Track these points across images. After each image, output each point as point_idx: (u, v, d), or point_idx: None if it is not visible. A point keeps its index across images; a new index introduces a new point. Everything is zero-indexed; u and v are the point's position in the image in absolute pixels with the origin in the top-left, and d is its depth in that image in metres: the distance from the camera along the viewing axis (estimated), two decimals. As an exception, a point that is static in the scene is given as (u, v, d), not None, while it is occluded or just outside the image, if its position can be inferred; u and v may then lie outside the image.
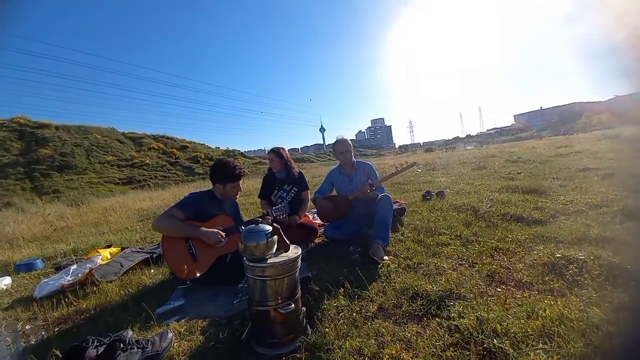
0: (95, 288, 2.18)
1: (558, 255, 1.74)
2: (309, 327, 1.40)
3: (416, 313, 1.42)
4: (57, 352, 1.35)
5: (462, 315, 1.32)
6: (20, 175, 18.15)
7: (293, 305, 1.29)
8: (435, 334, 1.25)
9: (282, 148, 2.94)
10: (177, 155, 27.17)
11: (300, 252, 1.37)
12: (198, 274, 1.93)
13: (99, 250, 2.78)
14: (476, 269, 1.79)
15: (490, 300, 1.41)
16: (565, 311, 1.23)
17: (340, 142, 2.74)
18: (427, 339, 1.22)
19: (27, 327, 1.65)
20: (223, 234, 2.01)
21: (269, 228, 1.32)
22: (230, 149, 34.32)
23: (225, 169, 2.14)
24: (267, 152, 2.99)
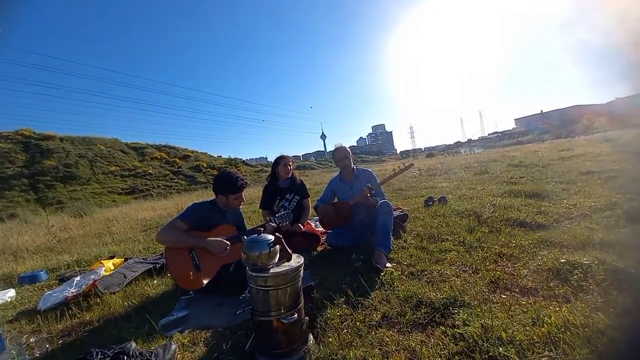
0: (98, 300, 2.18)
1: (562, 260, 1.73)
2: (312, 337, 1.39)
3: (420, 321, 1.41)
4: (61, 365, 1.35)
5: (466, 323, 1.31)
6: (24, 187, 18.30)
7: (296, 315, 1.28)
8: (440, 343, 1.24)
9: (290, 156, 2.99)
10: (179, 165, 27.33)
11: (302, 261, 1.37)
12: (201, 284, 1.93)
13: (103, 261, 2.79)
14: (480, 275, 1.78)
15: (494, 307, 1.40)
16: (571, 317, 1.22)
17: (339, 150, 2.79)
18: (431, 348, 1.21)
19: (32, 339, 1.66)
20: (228, 243, 2.02)
21: (271, 237, 1.33)
22: (232, 157, 34.46)
23: (227, 180, 2.15)
24: (279, 157, 2.93)
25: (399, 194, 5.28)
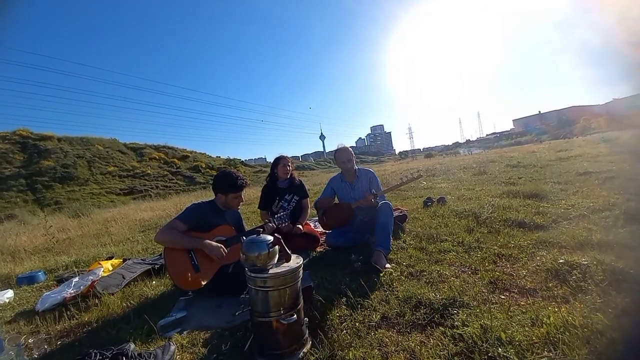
0: (97, 300, 2.18)
1: (561, 260, 1.73)
2: (311, 338, 1.39)
3: (420, 322, 1.41)
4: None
5: (466, 323, 1.32)
6: (22, 187, 18.23)
7: (295, 315, 1.28)
8: (440, 344, 1.24)
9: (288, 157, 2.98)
10: (178, 165, 27.29)
11: (301, 262, 1.37)
12: (200, 285, 1.93)
13: (101, 262, 2.78)
14: (479, 275, 1.78)
15: (494, 308, 1.41)
16: (570, 318, 1.22)
17: (342, 152, 2.72)
18: (431, 349, 1.21)
19: (30, 340, 1.65)
20: (225, 249, 2.01)
21: (270, 238, 1.33)
22: (231, 157, 34.41)
23: (227, 179, 2.15)
24: (278, 158, 2.92)
25: (397, 194, 5.28)
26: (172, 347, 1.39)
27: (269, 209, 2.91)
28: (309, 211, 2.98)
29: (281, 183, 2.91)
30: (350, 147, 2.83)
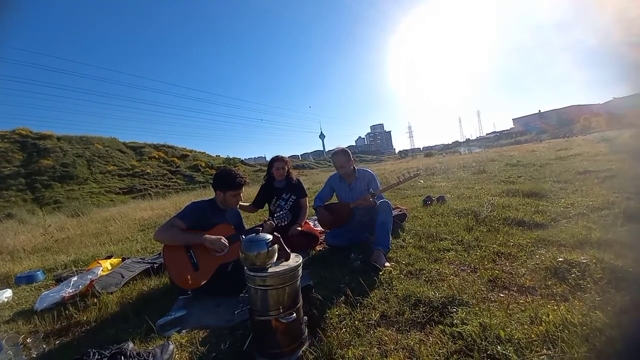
0: (95, 300, 2.17)
1: (560, 259, 1.73)
2: (311, 337, 1.39)
3: (419, 320, 1.41)
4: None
5: (465, 321, 1.32)
6: (21, 187, 18.21)
7: (295, 314, 1.28)
8: (439, 342, 1.24)
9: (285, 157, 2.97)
10: (177, 164, 27.28)
11: (301, 261, 1.37)
12: (199, 284, 1.92)
13: (100, 261, 2.78)
14: (478, 274, 1.78)
15: (493, 306, 1.41)
16: (569, 316, 1.22)
17: (337, 157, 2.67)
18: (430, 347, 1.21)
19: (29, 340, 1.64)
20: (226, 241, 2.01)
21: (269, 237, 1.32)
22: (231, 156, 34.42)
23: (227, 177, 2.16)
24: (273, 159, 2.92)
25: (397, 193, 5.28)
26: (171, 346, 1.39)
27: (260, 207, 2.94)
28: (307, 210, 2.97)
29: (278, 183, 2.91)
30: (350, 146, 2.84)
